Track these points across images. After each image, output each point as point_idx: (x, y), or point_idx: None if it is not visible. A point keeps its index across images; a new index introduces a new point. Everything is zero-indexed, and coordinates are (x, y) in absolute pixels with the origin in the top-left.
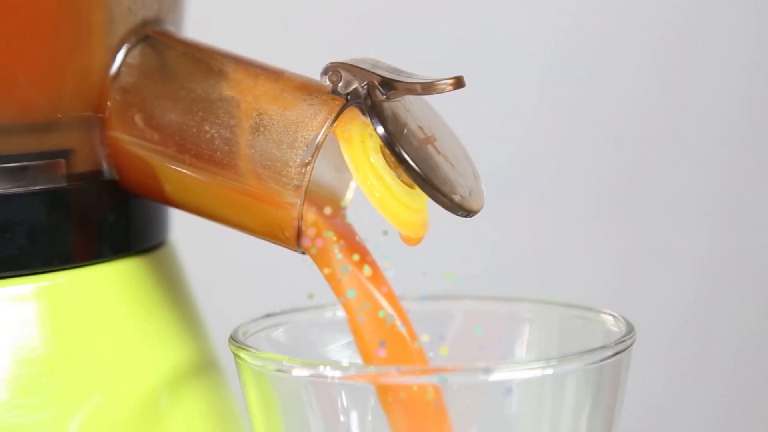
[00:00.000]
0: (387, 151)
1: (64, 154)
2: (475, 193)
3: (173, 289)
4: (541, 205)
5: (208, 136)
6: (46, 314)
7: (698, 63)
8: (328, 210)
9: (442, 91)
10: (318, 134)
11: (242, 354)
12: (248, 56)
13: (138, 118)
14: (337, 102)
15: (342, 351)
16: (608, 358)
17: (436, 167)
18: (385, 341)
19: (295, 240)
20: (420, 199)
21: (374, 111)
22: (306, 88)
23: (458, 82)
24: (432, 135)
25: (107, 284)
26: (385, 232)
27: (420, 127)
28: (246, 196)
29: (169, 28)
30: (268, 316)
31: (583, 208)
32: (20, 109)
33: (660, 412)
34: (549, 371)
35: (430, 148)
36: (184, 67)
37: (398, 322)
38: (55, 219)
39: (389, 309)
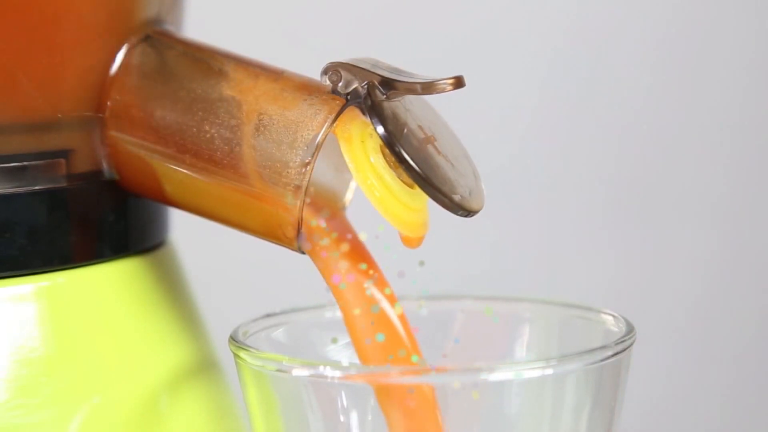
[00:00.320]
0: (387, 151)
1: (64, 154)
2: (475, 192)
3: (173, 289)
4: (542, 205)
5: (208, 136)
6: (46, 314)
7: (700, 63)
8: (326, 212)
9: (442, 91)
10: (318, 134)
11: (242, 354)
12: (248, 56)
13: (138, 118)
14: (337, 102)
15: (342, 351)
16: (608, 358)
17: (436, 167)
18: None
19: (294, 240)
20: (420, 199)
21: (374, 111)
22: (306, 87)
23: (458, 82)
24: (432, 135)
25: (107, 284)
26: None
27: (420, 127)
28: (246, 196)
29: (169, 28)
30: (268, 316)
31: (584, 208)
32: (20, 109)
33: (660, 413)
34: (549, 371)
35: (430, 148)
36: (184, 67)
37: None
38: (55, 219)
39: (387, 307)
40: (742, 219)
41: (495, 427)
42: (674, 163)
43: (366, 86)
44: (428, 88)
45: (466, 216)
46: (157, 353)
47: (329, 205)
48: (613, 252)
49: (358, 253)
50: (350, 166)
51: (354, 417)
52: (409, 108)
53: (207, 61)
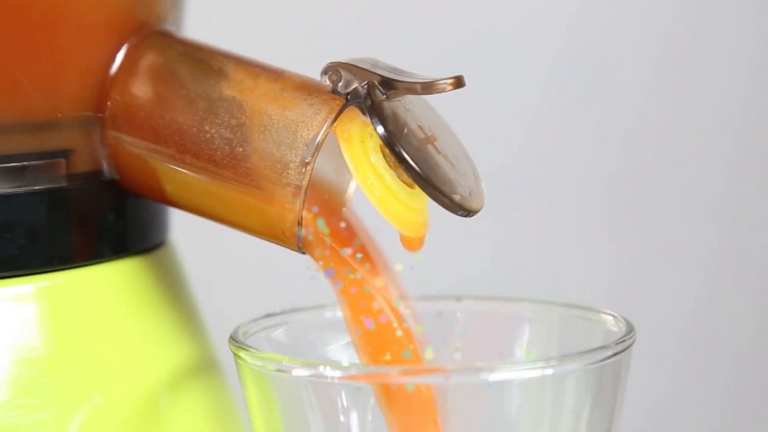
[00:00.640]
0: (387, 151)
1: (64, 154)
2: (475, 192)
3: (173, 289)
4: (542, 205)
5: (208, 136)
6: (46, 314)
7: (702, 63)
8: (323, 214)
9: (442, 90)
10: (318, 134)
11: (242, 354)
12: (248, 56)
13: (138, 118)
14: (337, 102)
15: (342, 351)
16: (608, 358)
17: (436, 167)
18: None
19: (294, 240)
20: (420, 198)
21: (374, 111)
22: (306, 87)
23: (458, 82)
24: (432, 135)
25: (107, 284)
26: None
27: (420, 127)
28: (246, 196)
29: (169, 28)
30: (268, 316)
31: (584, 208)
32: (20, 109)
33: (660, 413)
34: (549, 371)
35: (430, 147)
36: (184, 67)
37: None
38: (55, 219)
39: (383, 304)
40: (742, 219)
41: (495, 427)
42: (674, 163)
43: (366, 86)
44: (428, 88)
45: (466, 216)
46: (157, 353)
47: (329, 205)
48: (614, 252)
49: (358, 251)
50: (350, 166)
51: (354, 417)
52: (409, 108)
53: (207, 61)
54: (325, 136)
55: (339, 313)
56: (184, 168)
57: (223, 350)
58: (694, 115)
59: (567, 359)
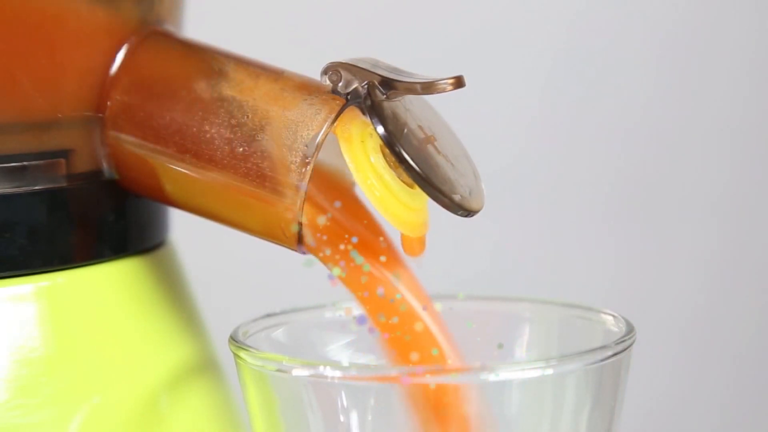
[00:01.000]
0: (387, 151)
1: (64, 154)
2: (475, 192)
3: (173, 289)
4: (542, 205)
5: (208, 136)
6: (46, 314)
7: (703, 63)
8: (324, 213)
9: (442, 90)
10: (318, 134)
11: (242, 354)
12: (248, 56)
13: (138, 118)
14: (337, 101)
15: (342, 351)
16: (608, 358)
17: (436, 167)
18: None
19: (295, 240)
20: (420, 198)
21: (374, 111)
22: (306, 87)
23: (458, 82)
24: (432, 135)
25: (107, 284)
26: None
27: (420, 127)
28: (246, 196)
29: (169, 28)
30: (268, 316)
31: (584, 208)
32: (20, 109)
33: (660, 413)
34: (549, 371)
35: (430, 147)
36: (184, 67)
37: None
38: (55, 219)
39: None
40: (742, 219)
41: (495, 427)
42: (674, 163)
43: (366, 86)
44: (428, 88)
45: (466, 216)
46: (157, 353)
47: (329, 204)
48: (614, 252)
49: (359, 249)
50: (350, 166)
51: (354, 417)
52: (409, 108)
53: (207, 61)
54: (325, 136)
55: (339, 313)
56: (184, 168)
57: (223, 350)
58: (695, 115)
59: (567, 359)
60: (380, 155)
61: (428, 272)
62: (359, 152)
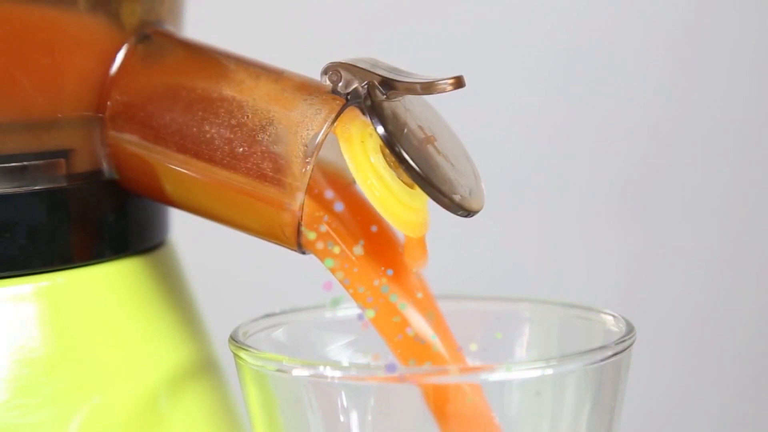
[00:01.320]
0: (387, 151)
1: (64, 154)
2: (475, 192)
3: (173, 289)
4: (542, 205)
5: (208, 136)
6: (46, 314)
7: (705, 63)
8: (324, 212)
9: (443, 90)
10: (318, 134)
11: (242, 354)
12: (248, 56)
13: (138, 118)
14: (338, 102)
15: (342, 351)
16: (608, 358)
17: (436, 167)
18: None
19: (295, 240)
20: (420, 198)
21: (374, 111)
22: (306, 87)
23: (458, 82)
24: (432, 135)
25: (107, 284)
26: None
27: (420, 127)
28: (246, 196)
29: (169, 28)
30: (268, 316)
31: (584, 208)
32: (20, 109)
33: (660, 413)
34: (549, 371)
35: (430, 147)
36: (184, 68)
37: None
38: (55, 219)
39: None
40: (743, 220)
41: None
42: (675, 163)
43: (366, 86)
44: (428, 88)
45: (466, 216)
46: (157, 353)
47: (329, 204)
48: (614, 252)
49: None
50: (350, 166)
51: (354, 417)
52: (409, 108)
53: (207, 61)
54: (325, 136)
55: (339, 313)
56: (184, 168)
57: (223, 350)
58: (696, 115)
59: (567, 359)
60: (380, 155)
61: (428, 272)
62: (359, 152)
